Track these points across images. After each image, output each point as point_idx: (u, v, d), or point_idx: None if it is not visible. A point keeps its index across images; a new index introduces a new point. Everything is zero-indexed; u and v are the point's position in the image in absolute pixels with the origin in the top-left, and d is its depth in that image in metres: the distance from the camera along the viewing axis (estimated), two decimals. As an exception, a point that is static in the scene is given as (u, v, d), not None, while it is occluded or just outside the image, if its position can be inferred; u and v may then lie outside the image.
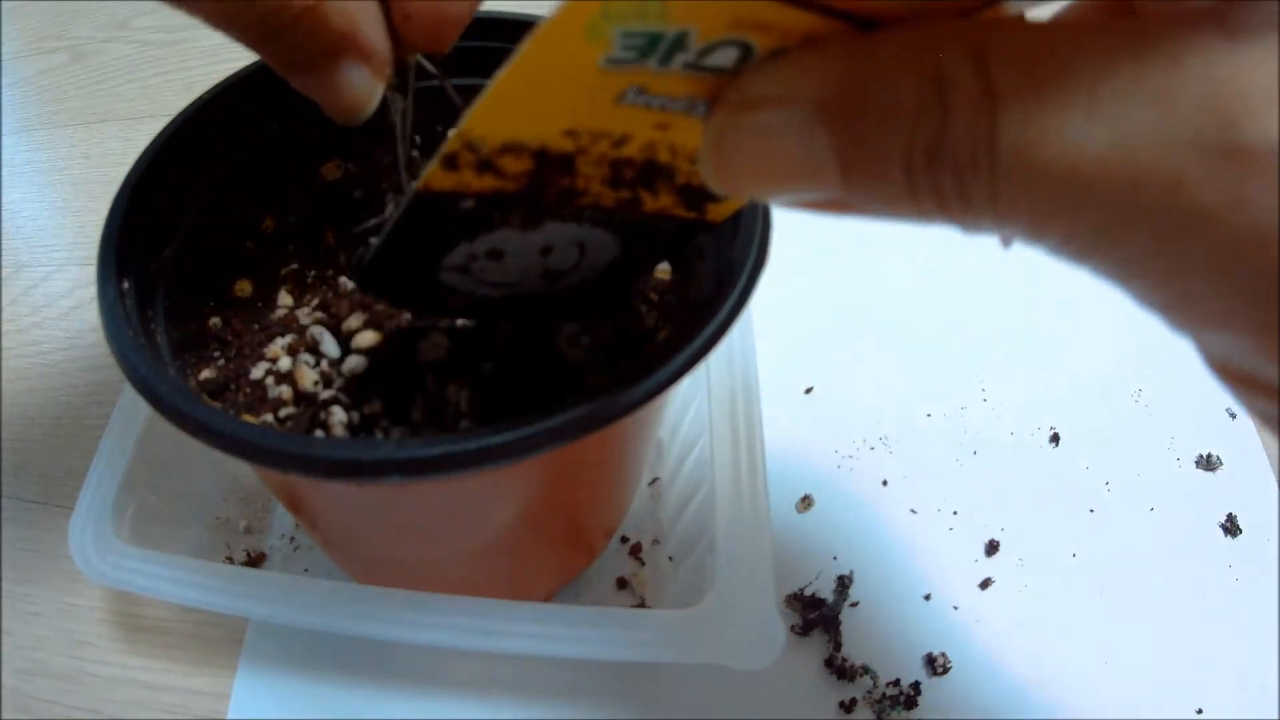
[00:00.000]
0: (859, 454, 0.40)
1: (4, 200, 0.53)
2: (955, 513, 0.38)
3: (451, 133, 0.17)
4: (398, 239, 0.21)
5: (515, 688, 0.33)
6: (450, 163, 0.17)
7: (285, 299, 0.28)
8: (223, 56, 0.62)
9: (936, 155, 0.12)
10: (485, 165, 0.18)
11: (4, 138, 0.57)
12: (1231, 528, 0.38)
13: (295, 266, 0.29)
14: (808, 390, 0.42)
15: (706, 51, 0.14)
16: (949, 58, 0.12)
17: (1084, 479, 0.40)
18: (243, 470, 0.39)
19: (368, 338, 0.25)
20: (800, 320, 0.45)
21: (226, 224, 0.29)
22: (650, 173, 0.18)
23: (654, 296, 0.28)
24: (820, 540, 0.37)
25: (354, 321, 0.25)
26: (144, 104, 0.59)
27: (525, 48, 0.14)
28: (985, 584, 0.36)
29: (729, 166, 0.15)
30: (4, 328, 0.46)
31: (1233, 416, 0.42)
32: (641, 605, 0.35)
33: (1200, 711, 0.33)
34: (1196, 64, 0.11)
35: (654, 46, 0.14)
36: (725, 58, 0.14)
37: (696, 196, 0.19)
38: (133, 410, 0.32)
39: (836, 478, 0.39)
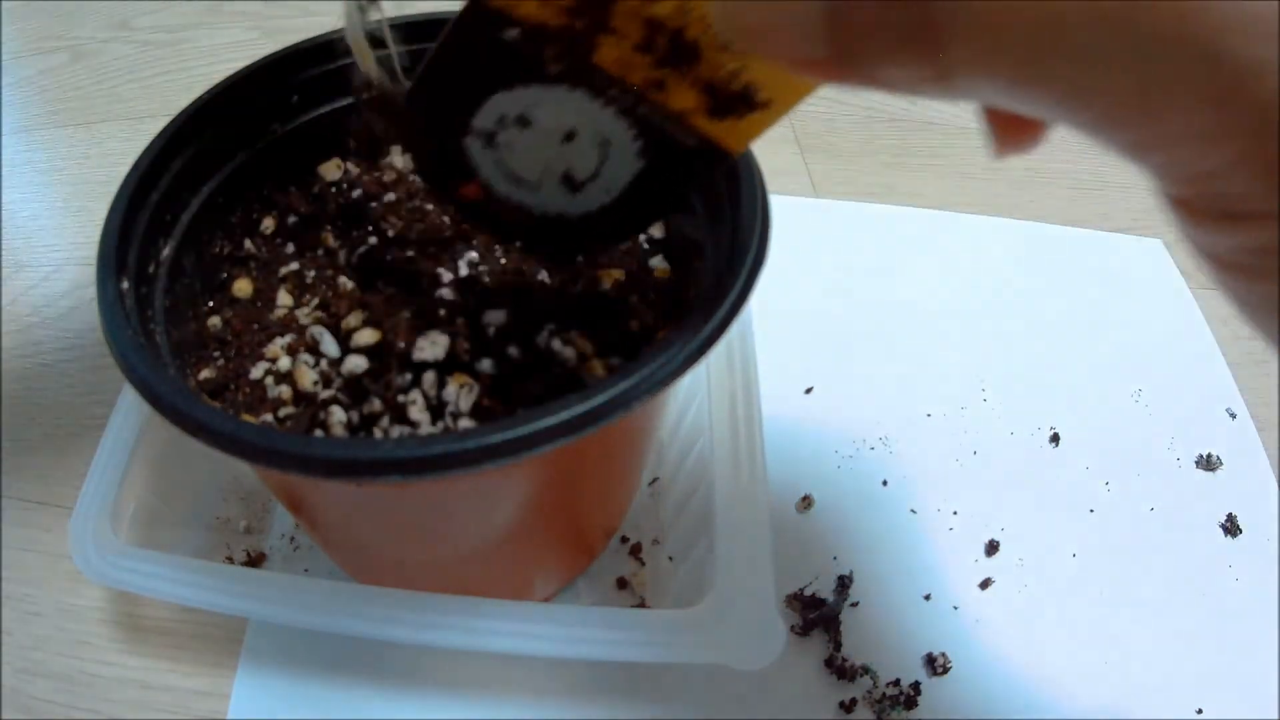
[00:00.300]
0: (859, 454, 0.40)
1: (4, 200, 0.53)
2: (955, 513, 0.38)
3: None
4: (445, 57, 0.21)
5: (515, 688, 0.33)
6: None
7: (285, 299, 0.28)
8: (223, 56, 0.62)
9: (883, 12, 0.13)
10: None
11: (4, 138, 0.57)
12: (1231, 528, 0.38)
13: (295, 267, 0.29)
14: (808, 390, 0.42)
15: None
16: None
17: (1084, 479, 0.40)
18: (243, 470, 0.39)
19: (367, 335, 0.25)
20: (800, 320, 0.45)
21: (226, 224, 0.29)
22: (679, 49, 0.19)
23: (652, 296, 0.28)
24: (820, 540, 0.37)
25: (353, 320, 0.25)
26: (144, 104, 0.59)
27: None
28: (985, 584, 0.36)
29: (738, 15, 0.16)
30: (4, 328, 0.46)
31: (1233, 416, 0.42)
32: (641, 605, 0.35)
33: (1200, 711, 0.33)
34: None
35: None
36: None
37: (720, 102, 0.20)
38: (133, 410, 0.32)
39: (836, 478, 0.39)
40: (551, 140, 0.22)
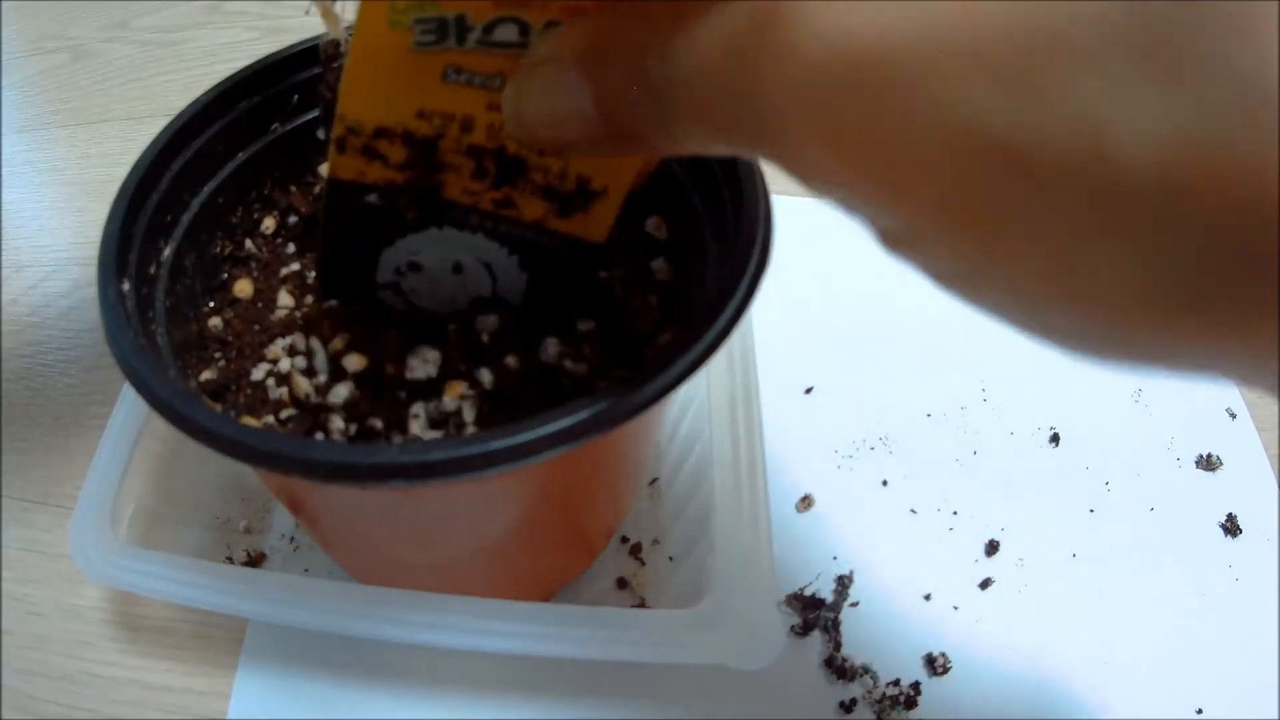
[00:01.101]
0: (859, 454, 0.40)
1: (4, 200, 0.53)
2: (955, 513, 0.38)
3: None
4: (333, 239, 0.24)
5: (515, 688, 0.33)
6: (340, 145, 0.20)
7: (286, 299, 0.28)
8: (223, 56, 0.62)
9: (647, 74, 0.15)
10: (370, 151, 0.20)
11: (4, 138, 0.57)
12: (1231, 528, 0.38)
13: (296, 267, 0.29)
14: (808, 390, 0.42)
15: (490, 29, 0.17)
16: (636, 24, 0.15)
17: (1084, 479, 0.40)
18: (243, 470, 0.39)
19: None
20: (800, 320, 0.45)
21: (226, 224, 0.29)
22: (508, 166, 0.21)
23: (654, 299, 0.28)
24: (820, 540, 0.37)
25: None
26: (144, 104, 0.59)
27: (353, 34, 0.17)
28: (985, 584, 0.36)
29: (522, 115, 0.17)
30: (4, 328, 0.46)
31: (1233, 416, 0.42)
32: (641, 605, 0.35)
33: (1200, 711, 0.33)
34: None
35: (445, 29, 0.17)
36: (508, 34, 0.17)
37: (563, 201, 0.21)
38: (133, 410, 0.32)
39: (836, 478, 0.39)
40: (445, 275, 0.24)
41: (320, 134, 0.28)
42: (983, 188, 0.11)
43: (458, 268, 0.24)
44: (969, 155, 0.10)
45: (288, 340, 0.26)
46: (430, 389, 0.24)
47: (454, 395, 0.23)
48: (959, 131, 0.10)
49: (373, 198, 0.22)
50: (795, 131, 0.13)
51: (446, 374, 0.24)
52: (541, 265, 0.24)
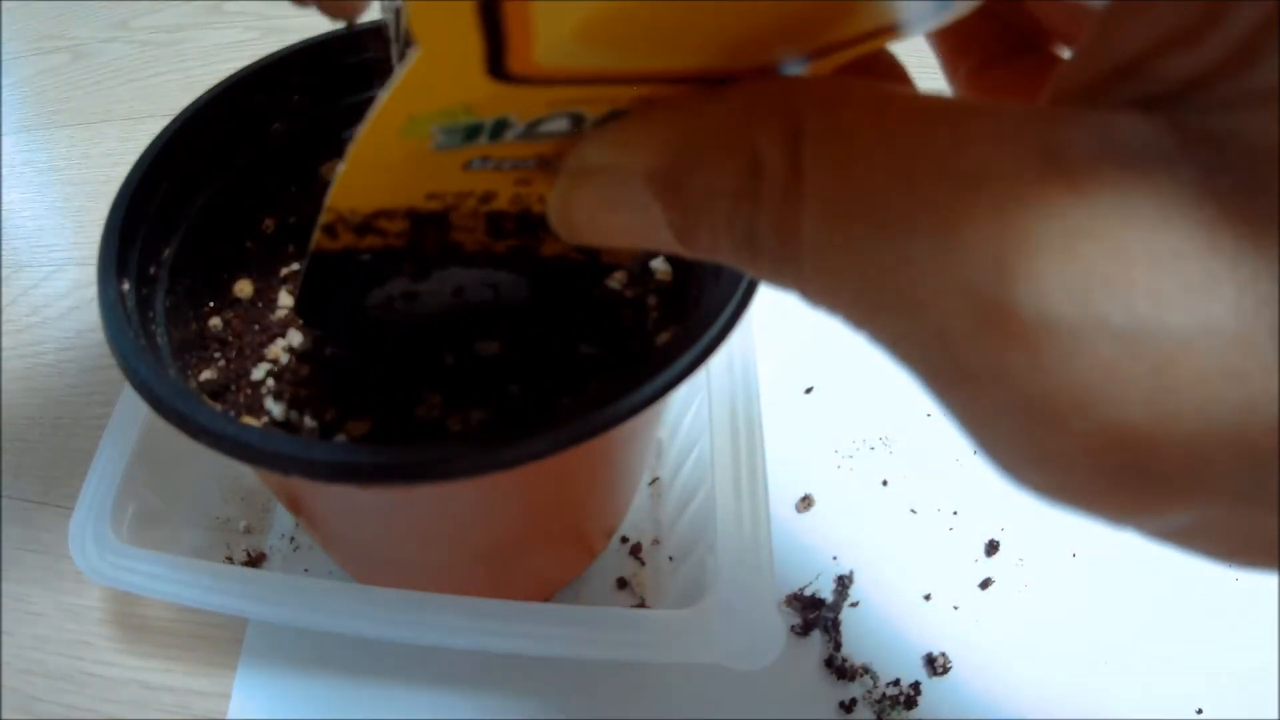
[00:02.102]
0: (859, 454, 0.40)
1: (4, 200, 0.53)
2: (955, 513, 0.38)
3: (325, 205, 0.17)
4: (314, 285, 0.22)
5: (515, 688, 0.33)
6: (330, 231, 0.18)
7: (286, 299, 0.28)
8: (223, 56, 0.62)
9: (753, 237, 0.12)
10: (364, 229, 0.18)
11: (4, 138, 0.57)
12: (1231, 528, 0.38)
13: (296, 267, 0.29)
14: (808, 390, 0.42)
15: (535, 125, 0.14)
16: (765, 137, 0.12)
17: (1084, 479, 0.40)
18: (243, 470, 0.39)
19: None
20: (800, 320, 0.45)
21: (227, 224, 0.29)
22: (529, 223, 0.19)
23: (653, 300, 0.28)
24: (820, 540, 0.37)
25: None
26: (144, 104, 0.59)
27: (355, 143, 0.14)
28: (985, 584, 0.36)
29: (574, 226, 0.15)
30: (4, 328, 0.46)
31: (1232, 416, 0.42)
32: (641, 605, 0.35)
33: (1200, 711, 0.33)
34: (1001, 193, 0.10)
35: (476, 132, 0.14)
36: (558, 125, 0.14)
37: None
38: (133, 410, 0.32)
39: (836, 478, 0.39)
40: (443, 296, 0.23)
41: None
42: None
43: (459, 290, 0.23)
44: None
45: (288, 340, 0.26)
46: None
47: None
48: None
49: (365, 257, 0.20)
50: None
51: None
52: (550, 281, 0.23)
